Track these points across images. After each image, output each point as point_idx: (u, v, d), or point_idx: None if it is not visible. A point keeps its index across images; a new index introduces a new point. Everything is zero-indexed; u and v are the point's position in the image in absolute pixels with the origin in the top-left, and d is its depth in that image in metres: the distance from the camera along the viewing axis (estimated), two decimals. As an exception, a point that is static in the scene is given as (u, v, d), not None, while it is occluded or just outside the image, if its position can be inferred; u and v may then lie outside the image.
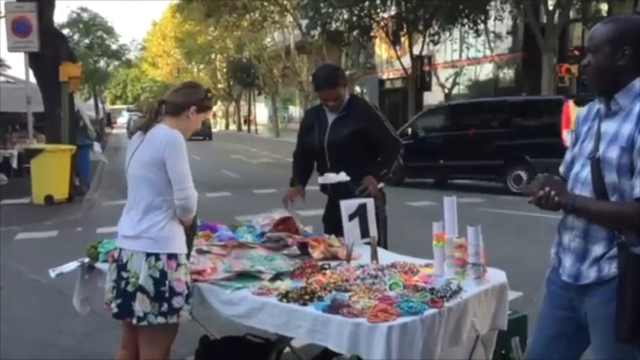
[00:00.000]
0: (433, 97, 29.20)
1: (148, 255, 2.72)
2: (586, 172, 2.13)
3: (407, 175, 13.59)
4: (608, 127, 2.10)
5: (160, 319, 2.72)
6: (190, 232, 2.91)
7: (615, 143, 2.05)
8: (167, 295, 2.72)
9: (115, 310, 2.80)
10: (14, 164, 14.62)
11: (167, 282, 2.72)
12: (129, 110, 63.43)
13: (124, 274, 2.77)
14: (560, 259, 2.24)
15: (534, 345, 2.37)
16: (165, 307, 2.72)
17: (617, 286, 2.01)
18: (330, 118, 3.76)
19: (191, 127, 2.94)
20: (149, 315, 2.71)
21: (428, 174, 14.08)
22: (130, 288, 2.74)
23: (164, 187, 2.75)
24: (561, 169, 2.34)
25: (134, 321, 2.74)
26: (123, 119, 61.16)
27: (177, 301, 2.74)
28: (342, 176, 3.62)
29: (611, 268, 2.06)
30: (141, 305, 2.71)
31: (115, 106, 74.29)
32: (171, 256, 2.74)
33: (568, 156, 2.33)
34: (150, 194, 2.77)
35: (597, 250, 2.09)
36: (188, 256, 2.87)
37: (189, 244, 2.90)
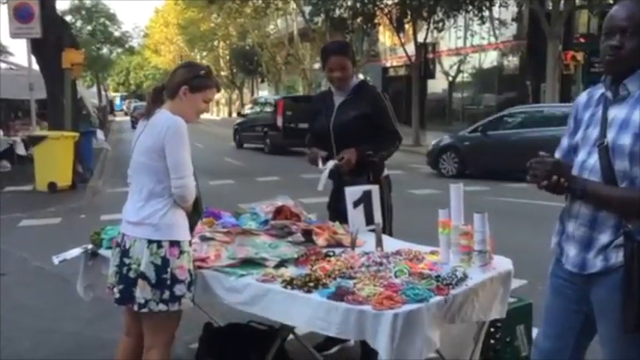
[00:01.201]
0: (437, 84, 29.09)
1: (150, 242, 2.70)
2: (594, 160, 2.07)
3: (244, 142, 22.33)
4: (617, 113, 2.05)
5: (162, 307, 2.71)
6: (195, 215, 2.90)
7: (627, 130, 1.99)
8: (169, 282, 2.70)
9: (117, 295, 2.79)
10: (20, 151, 14.61)
11: (169, 269, 2.70)
12: (123, 98, 63.22)
13: (126, 260, 2.75)
14: (563, 249, 2.20)
15: (543, 339, 2.32)
16: (166, 294, 2.70)
17: (623, 275, 1.98)
18: (337, 101, 3.71)
19: (188, 110, 2.81)
20: (150, 302, 2.70)
21: (255, 141, 21.39)
22: (131, 274, 2.73)
23: (165, 175, 2.72)
24: (557, 155, 2.28)
25: (135, 307, 2.73)
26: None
27: (179, 289, 2.72)
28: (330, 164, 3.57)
29: (618, 257, 2.02)
30: (142, 292, 2.69)
31: (116, 94, 74.16)
32: (174, 244, 2.72)
33: (565, 142, 2.27)
34: (151, 181, 2.75)
35: (603, 238, 2.05)
36: (189, 242, 2.85)
37: (192, 227, 2.88)
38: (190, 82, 2.81)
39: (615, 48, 2.03)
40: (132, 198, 2.85)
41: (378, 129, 3.62)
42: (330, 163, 3.55)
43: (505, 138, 12.62)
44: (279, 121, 19.68)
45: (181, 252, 2.74)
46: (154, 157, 2.72)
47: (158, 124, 2.74)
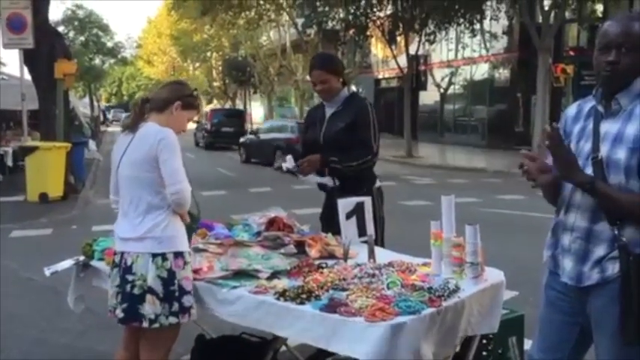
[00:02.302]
0: (429, 96, 29.24)
1: (155, 256, 2.69)
2: (588, 173, 2.07)
3: (198, 142, 29.40)
4: (610, 127, 2.05)
5: (172, 319, 2.69)
6: (193, 223, 2.91)
7: (621, 144, 2.00)
8: (177, 294, 2.69)
9: (121, 315, 2.76)
10: (9, 162, 14.53)
11: (176, 281, 2.69)
12: (107, 108, 63.22)
13: (129, 277, 2.72)
14: (558, 262, 2.19)
15: (538, 352, 2.31)
16: (176, 306, 2.69)
17: (620, 288, 1.98)
18: (328, 113, 3.76)
19: (175, 124, 2.86)
20: (160, 316, 2.68)
21: (202, 141, 28.72)
22: (136, 291, 2.70)
23: (161, 185, 2.73)
24: None
25: (145, 324, 2.69)
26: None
27: (187, 300, 2.72)
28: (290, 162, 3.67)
29: (614, 269, 2.02)
30: (151, 307, 2.68)
31: (108, 104, 73.93)
32: (178, 255, 2.73)
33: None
34: (148, 194, 2.74)
35: (599, 251, 2.06)
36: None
37: (190, 234, 2.90)
38: (184, 99, 2.88)
39: (611, 64, 2.02)
40: (126, 214, 2.82)
41: (358, 139, 3.62)
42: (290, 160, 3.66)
43: (259, 138, 20.91)
44: (208, 126, 28.03)
45: (185, 262, 2.75)
46: (147, 169, 2.72)
47: (149, 135, 2.75)
